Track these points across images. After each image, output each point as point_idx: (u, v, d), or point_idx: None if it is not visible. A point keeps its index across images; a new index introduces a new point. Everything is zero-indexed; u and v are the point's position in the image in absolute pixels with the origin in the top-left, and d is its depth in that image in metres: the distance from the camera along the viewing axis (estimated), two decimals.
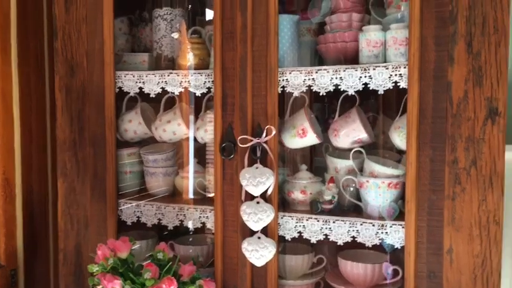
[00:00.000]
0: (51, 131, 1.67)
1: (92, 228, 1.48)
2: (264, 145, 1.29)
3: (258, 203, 1.29)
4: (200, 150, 1.55)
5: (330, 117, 1.49)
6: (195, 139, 1.49)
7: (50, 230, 1.72)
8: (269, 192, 1.29)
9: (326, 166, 1.43)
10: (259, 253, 1.28)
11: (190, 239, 1.56)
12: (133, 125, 1.52)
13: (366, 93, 1.29)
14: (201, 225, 1.43)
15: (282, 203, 1.38)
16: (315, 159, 1.53)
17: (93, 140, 1.47)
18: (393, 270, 1.33)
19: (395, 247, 1.24)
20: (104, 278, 1.25)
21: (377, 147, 1.43)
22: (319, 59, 1.43)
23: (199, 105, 1.50)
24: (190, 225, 1.45)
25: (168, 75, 1.43)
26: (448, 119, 1.14)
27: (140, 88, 1.46)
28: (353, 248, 1.36)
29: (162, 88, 1.44)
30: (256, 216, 1.27)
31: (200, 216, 1.43)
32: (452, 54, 1.13)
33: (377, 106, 1.46)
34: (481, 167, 1.12)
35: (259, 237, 1.29)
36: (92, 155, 1.47)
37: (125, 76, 1.46)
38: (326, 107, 1.56)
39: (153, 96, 1.45)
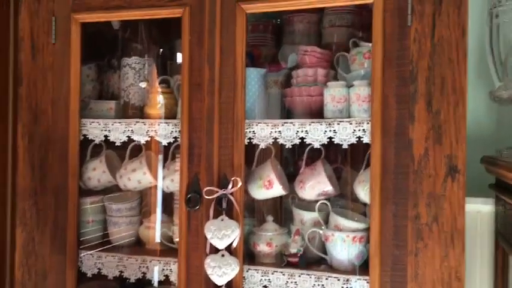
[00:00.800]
0: (12, 178, 1.63)
1: (51, 280, 1.43)
2: (230, 197, 1.28)
3: (223, 256, 1.27)
4: (166, 199, 1.52)
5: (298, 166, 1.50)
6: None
7: (7, 281, 1.65)
8: (234, 245, 1.27)
9: (292, 217, 1.43)
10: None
11: None
12: (98, 173, 1.49)
13: (332, 145, 1.31)
14: (164, 277, 1.39)
15: (248, 254, 1.36)
16: (282, 210, 1.53)
17: (55, 189, 1.43)
18: None
19: None
20: None
21: (343, 198, 1.44)
22: (287, 111, 1.46)
23: (166, 154, 1.49)
24: (153, 277, 1.41)
25: (135, 124, 1.42)
26: (410, 175, 1.16)
27: (106, 136, 1.44)
28: None
29: (128, 137, 1.43)
30: (220, 270, 1.25)
31: (164, 269, 1.40)
32: (413, 112, 1.16)
33: (343, 158, 1.48)
34: (442, 223, 1.14)
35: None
36: (53, 204, 1.43)
37: (90, 124, 1.45)
38: (293, 158, 1.57)
39: (119, 144, 1.44)
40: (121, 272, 1.42)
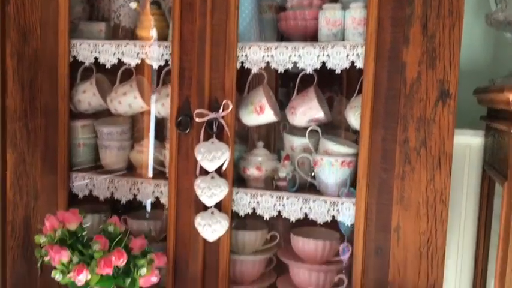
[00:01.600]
0: (1, 100, 1.61)
1: (42, 201, 1.44)
2: (221, 120, 1.28)
3: (212, 178, 1.28)
4: (158, 124, 1.52)
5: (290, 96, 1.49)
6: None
7: None
8: (224, 167, 1.28)
9: (283, 144, 1.43)
10: (211, 228, 1.28)
11: (144, 214, 1.54)
12: (88, 95, 1.48)
13: (325, 74, 1.30)
14: (155, 199, 1.41)
15: (238, 179, 1.38)
16: (274, 138, 1.53)
17: (45, 111, 1.42)
18: (338, 279, 1.36)
19: (350, 227, 1.26)
20: (51, 249, 1.22)
21: (334, 127, 1.44)
22: (281, 36, 1.43)
23: (157, 78, 1.47)
24: (144, 199, 1.42)
25: (125, 46, 1.40)
26: (401, 99, 1.16)
27: (96, 58, 1.42)
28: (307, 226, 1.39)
29: (119, 59, 1.40)
30: (210, 191, 1.26)
31: (154, 191, 1.41)
32: (408, 36, 1.14)
33: (335, 87, 1.47)
34: (430, 147, 1.14)
35: (212, 212, 1.29)
36: (43, 126, 1.43)
37: (79, 45, 1.42)
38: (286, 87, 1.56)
39: (109, 67, 1.42)
40: (112, 193, 1.44)
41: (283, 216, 1.30)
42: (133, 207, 1.56)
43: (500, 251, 1.03)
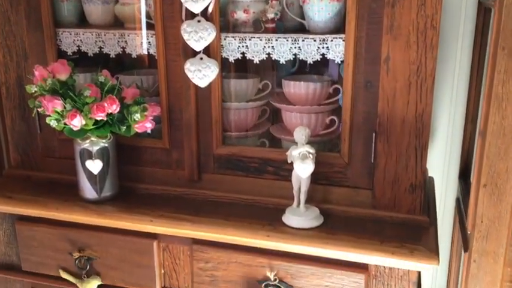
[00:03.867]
0: None
1: (32, 60, 1.43)
2: None
3: (199, 21, 1.25)
4: None
5: None
6: None
7: None
8: (210, 9, 1.24)
9: None
10: (201, 73, 1.27)
11: (135, 72, 1.54)
12: None
13: None
14: (144, 51, 1.40)
15: (225, 26, 1.35)
16: None
17: None
18: (330, 120, 1.37)
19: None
20: (43, 99, 1.23)
21: None
22: None
23: None
24: (132, 52, 1.41)
25: None
26: None
27: None
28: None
29: None
30: (197, 35, 1.24)
31: (142, 42, 1.39)
32: None
33: None
34: None
35: (201, 58, 1.28)
36: None
37: None
38: None
39: None
40: (100, 48, 1.43)
41: (273, 58, 1.29)
42: (125, 67, 1.56)
43: (489, 71, 1.02)
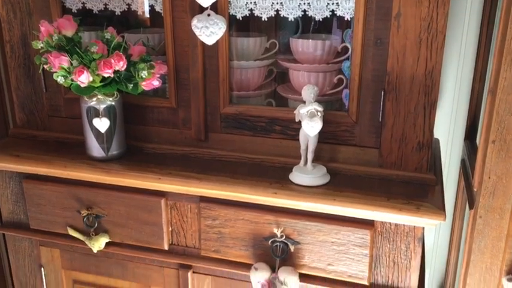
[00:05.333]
0: None
1: (36, 17, 1.41)
2: None
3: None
4: None
5: None
6: None
7: None
8: None
9: None
10: (209, 30, 1.26)
11: (141, 31, 1.52)
12: None
13: None
14: (150, 8, 1.38)
15: None
16: None
17: None
18: (338, 79, 1.36)
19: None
20: (50, 55, 1.22)
21: None
22: None
23: None
24: (138, 9, 1.39)
25: None
26: None
27: None
28: None
29: None
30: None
31: None
32: None
33: None
34: None
35: (208, 14, 1.26)
36: None
37: None
38: None
39: None
40: (105, 5, 1.40)
41: (282, 15, 1.27)
42: (130, 25, 1.54)
43: (501, 26, 1.01)
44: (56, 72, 1.21)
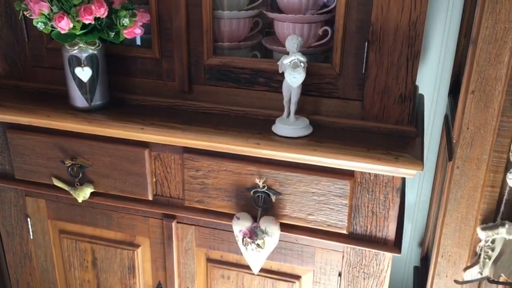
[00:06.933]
0: None
1: None
2: None
3: None
4: None
5: None
6: None
7: None
8: None
9: None
10: None
11: None
12: None
13: None
14: None
15: None
16: None
17: None
18: (323, 31, 1.34)
19: None
20: (30, 1, 1.20)
21: None
22: None
23: None
24: None
25: None
26: None
27: None
28: None
29: None
30: None
31: None
32: None
33: None
34: None
35: None
36: None
37: None
38: None
39: None
40: None
41: None
42: None
43: None
44: (36, 18, 1.19)
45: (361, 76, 1.24)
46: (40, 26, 1.19)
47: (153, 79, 1.42)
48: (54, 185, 1.44)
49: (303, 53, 1.22)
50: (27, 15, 1.22)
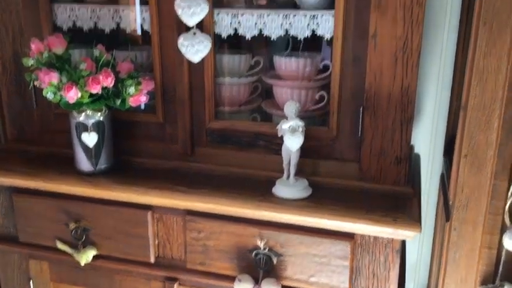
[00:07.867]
0: None
1: (28, 35, 1.46)
2: None
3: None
4: None
5: None
6: None
7: None
8: None
9: None
10: (195, 48, 1.30)
11: (130, 48, 1.56)
12: None
13: None
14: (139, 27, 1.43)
15: (219, 1, 1.38)
16: None
17: None
18: (320, 96, 1.40)
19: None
20: (40, 71, 1.26)
21: None
22: None
23: None
24: (127, 27, 1.43)
25: None
26: None
27: None
28: None
29: None
30: (190, 10, 1.27)
31: (136, 18, 1.42)
32: None
33: None
34: None
35: (194, 33, 1.31)
36: None
37: None
38: None
39: None
40: (95, 24, 1.45)
41: (265, 35, 1.32)
42: (119, 43, 1.59)
43: (472, 45, 1.06)
44: (45, 88, 1.25)
45: (357, 139, 1.29)
46: (50, 96, 1.25)
47: (156, 142, 1.46)
48: (58, 248, 1.45)
49: (301, 117, 1.27)
50: (37, 85, 1.28)
